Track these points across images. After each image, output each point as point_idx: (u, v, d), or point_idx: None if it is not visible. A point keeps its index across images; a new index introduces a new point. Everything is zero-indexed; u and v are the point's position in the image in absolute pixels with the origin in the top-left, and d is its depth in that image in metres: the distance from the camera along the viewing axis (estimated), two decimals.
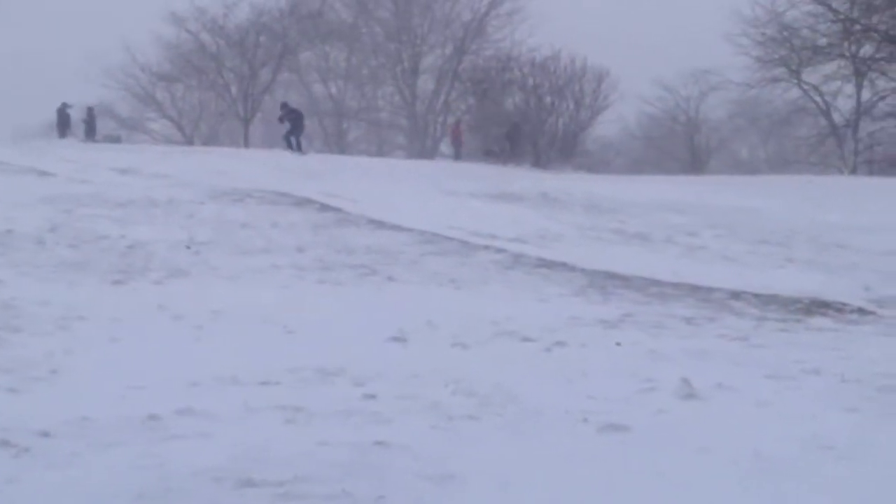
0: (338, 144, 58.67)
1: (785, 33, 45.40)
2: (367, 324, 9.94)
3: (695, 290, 12.67)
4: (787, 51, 45.76)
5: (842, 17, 43.47)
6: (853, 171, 44.34)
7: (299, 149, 34.71)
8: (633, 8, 75.27)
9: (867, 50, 44.34)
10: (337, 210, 18.14)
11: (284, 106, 37.64)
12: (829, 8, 43.52)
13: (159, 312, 10.39)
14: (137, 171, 23.23)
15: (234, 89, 56.39)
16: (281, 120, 36.61)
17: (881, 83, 44.52)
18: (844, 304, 11.96)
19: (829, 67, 45.58)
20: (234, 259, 13.77)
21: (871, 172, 43.37)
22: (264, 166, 25.97)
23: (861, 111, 45.59)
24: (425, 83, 59.45)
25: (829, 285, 13.46)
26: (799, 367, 8.44)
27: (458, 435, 6.37)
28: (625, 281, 13.13)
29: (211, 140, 57.38)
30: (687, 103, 63.45)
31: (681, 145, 61.59)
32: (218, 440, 6.13)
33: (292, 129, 35.56)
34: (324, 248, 14.75)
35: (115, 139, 44.87)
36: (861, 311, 11.69)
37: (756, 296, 12.35)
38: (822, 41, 44.67)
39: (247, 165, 25.98)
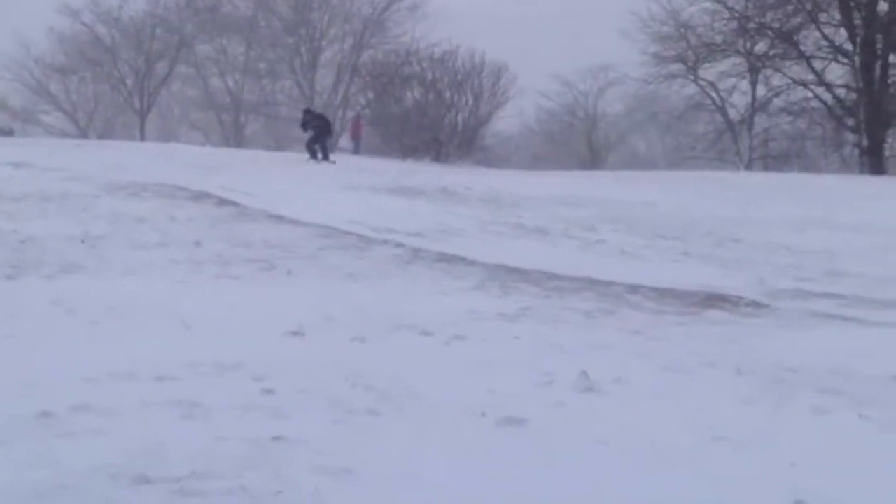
0: (235, 138, 58.32)
1: (682, 30, 45.97)
2: (266, 318, 9.85)
3: (593, 283, 12.75)
4: (684, 47, 46.34)
5: (737, 14, 44.11)
6: (748, 166, 45.03)
7: (325, 157, 32.90)
8: (531, 2, 75.56)
9: (761, 47, 45.08)
10: (235, 204, 18.00)
11: (308, 112, 35.62)
12: (725, 6, 44.15)
13: (53, 307, 10.22)
14: (31, 164, 22.85)
15: (129, 82, 55.85)
16: (304, 127, 34.23)
17: (775, 80, 45.26)
18: (740, 298, 12.11)
19: (725, 64, 46.32)
20: (131, 253, 13.61)
21: (765, 167, 44.11)
22: (161, 160, 25.73)
23: (756, 107, 46.32)
24: (324, 77, 59.35)
25: (725, 279, 13.63)
26: (695, 360, 8.53)
27: (356, 429, 6.34)
28: (524, 275, 13.17)
29: (106, 133, 56.72)
30: (585, 98, 64.02)
31: (579, 140, 62.06)
32: (114, 437, 6.04)
33: (317, 135, 33.41)
34: (222, 242, 14.62)
35: (8, 132, 44.15)
36: (756, 303, 11.84)
37: (653, 289, 12.45)
38: (718, 38, 45.33)
39: (143, 159, 25.70)
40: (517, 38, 57.90)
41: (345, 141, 51.69)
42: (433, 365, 8.21)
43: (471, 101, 39.77)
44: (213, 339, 8.85)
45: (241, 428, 6.26)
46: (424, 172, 28.10)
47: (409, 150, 37.15)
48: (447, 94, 39.52)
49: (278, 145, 57.12)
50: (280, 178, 23.28)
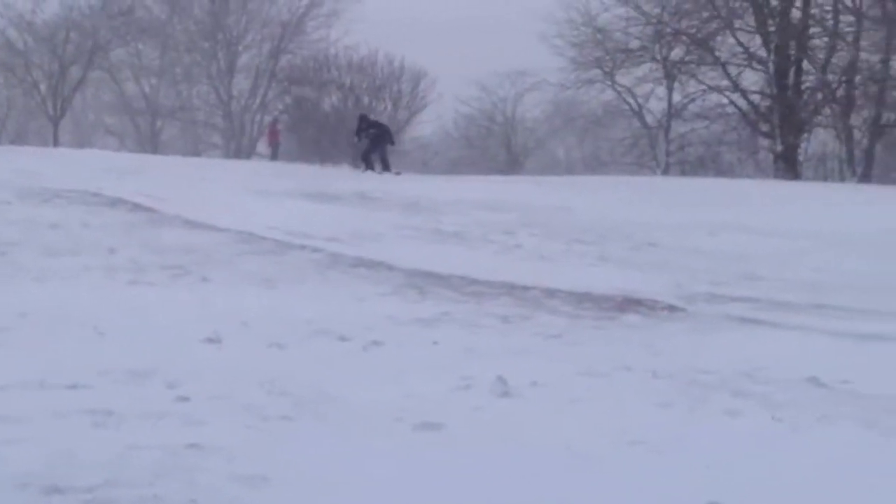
0: (151, 144, 57.78)
1: (599, 36, 46.22)
2: (181, 325, 9.75)
3: (511, 288, 12.76)
4: (601, 53, 46.58)
5: (653, 20, 44.41)
6: (665, 171, 45.37)
7: (387, 167, 31.19)
8: (450, 8, 75.67)
9: (677, 53, 45.41)
10: (150, 210, 17.81)
11: (364, 119, 33.21)
12: (641, 12, 44.44)
13: None
14: None
15: (42, 87, 55.04)
16: (358, 135, 32.40)
17: (691, 85, 45.62)
18: (656, 302, 12.18)
19: (642, 70, 46.59)
20: (43, 260, 13.40)
21: (682, 172, 44.43)
22: (75, 165, 25.38)
23: (672, 113, 46.67)
24: (242, 82, 59.00)
25: (642, 283, 13.70)
26: (612, 364, 8.57)
27: (272, 435, 6.30)
28: (442, 280, 13.16)
29: (19, 139, 55.86)
30: (504, 104, 64.09)
31: (498, 145, 62.13)
32: (24, 446, 5.95)
33: (374, 145, 31.57)
34: (136, 248, 14.45)
35: None
36: (672, 307, 11.92)
37: (570, 294, 12.49)
38: (635, 44, 45.61)
39: (57, 164, 25.32)
40: (436, 44, 57.91)
41: (261, 146, 51.48)
42: (350, 370, 8.18)
43: (389, 107, 39.79)
44: (126, 347, 8.75)
45: (155, 435, 6.19)
46: (342, 178, 28.02)
47: (327, 156, 37.02)
48: (365, 100, 39.48)
49: (195, 150, 56.68)
50: (196, 183, 23.07)
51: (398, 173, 31.02)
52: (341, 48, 45.63)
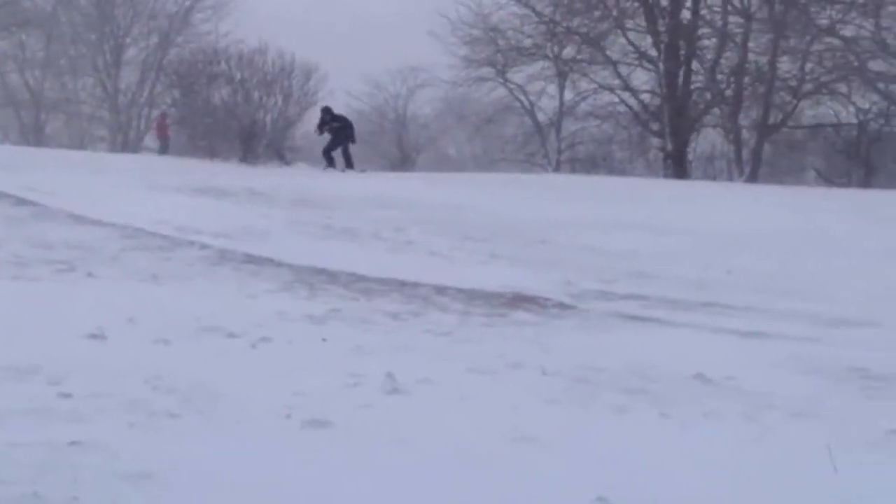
0: (35, 137, 56.80)
1: (491, 33, 46.34)
2: (65, 321, 9.56)
3: (401, 285, 12.74)
4: (494, 51, 46.72)
5: (545, 19, 44.70)
6: (556, 169, 45.68)
7: (350, 165, 30.22)
8: (344, 3, 75.47)
9: (569, 51, 45.74)
10: (34, 204, 17.48)
11: (327, 111, 32.31)
12: (533, 10, 44.68)
13: None
14: None
15: None
16: (320, 129, 31.60)
17: (583, 84, 46.01)
18: (546, 299, 12.23)
19: (534, 68, 46.86)
20: None
21: (573, 170, 44.82)
22: None
23: (564, 111, 47.01)
24: (128, 75, 58.23)
25: (532, 280, 13.75)
26: (502, 361, 8.58)
27: (157, 433, 6.20)
28: (332, 276, 13.10)
29: None
30: (396, 100, 64.13)
31: (389, 142, 62.15)
32: None
33: (335, 140, 30.65)
34: (19, 243, 14.16)
35: None
36: (562, 305, 11.98)
37: (461, 291, 12.50)
38: (527, 42, 45.84)
39: None
40: (329, 40, 57.82)
41: (155, 140, 50.86)
42: (238, 367, 8.09)
43: (280, 102, 39.49)
44: (7, 343, 8.53)
45: (37, 433, 6.06)
46: (232, 173, 27.79)
47: (216, 151, 36.66)
48: (256, 95, 39.16)
49: (81, 144, 55.84)
50: (83, 177, 22.71)
51: (363, 171, 30.19)
52: (231, 42, 45.29)
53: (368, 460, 5.79)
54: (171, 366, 7.87)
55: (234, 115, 37.52)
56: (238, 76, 38.88)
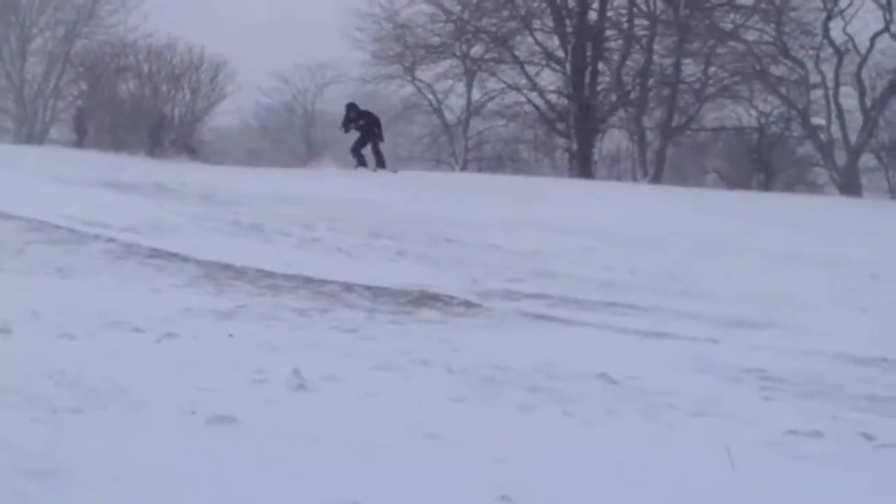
0: None
1: (400, 31, 46.42)
2: None
3: (308, 282, 12.75)
4: (402, 48, 46.81)
5: (454, 18, 44.87)
6: (464, 167, 45.90)
7: (382, 164, 28.78)
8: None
9: (477, 50, 46.01)
10: None
11: (352, 107, 30.33)
12: (442, 9, 44.85)
13: None
14: None
15: None
16: (345, 127, 29.72)
17: (491, 83, 46.30)
18: (452, 297, 12.30)
19: (442, 66, 47.08)
20: None
21: (480, 169, 45.09)
22: None
23: (471, 110, 47.25)
24: (35, 66, 57.43)
25: (439, 278, 13.83)
26: (407, 359, 8.63)
27: (61, 428, 6.16)
28: (239, 272, 13.07)
29: None
30: (304, 96, 63.95)
31: (297, 138, 61.99)
32: None
33: (363, 138, 28.89)
34: None
35: None
36: (468, 303, 12.06)
37: (368, 288, 12.53)
38: (436, 40, 46.01)
39: None
40: (239, 35, 57.38)
41: (61, 132, 50.23)
42: (143, 362, 8.06)
43: (188, 96, 39.32)
44: None
45: None
46: (139, 167, 27.55)
47: (123, 144, 36.36)
48: (164, 88, 38.94)
49: None
50: None
51: (395, 171, 29.27)
52: (140, 35, 44.94)
53: (273, 456, 5.81)
54: (75, 361, 7.82)
55: (142, 109, 37.30)
56: (146, 69, 38.69)
